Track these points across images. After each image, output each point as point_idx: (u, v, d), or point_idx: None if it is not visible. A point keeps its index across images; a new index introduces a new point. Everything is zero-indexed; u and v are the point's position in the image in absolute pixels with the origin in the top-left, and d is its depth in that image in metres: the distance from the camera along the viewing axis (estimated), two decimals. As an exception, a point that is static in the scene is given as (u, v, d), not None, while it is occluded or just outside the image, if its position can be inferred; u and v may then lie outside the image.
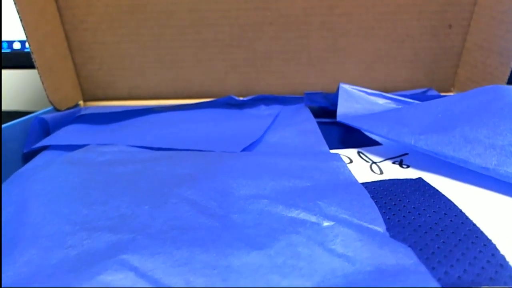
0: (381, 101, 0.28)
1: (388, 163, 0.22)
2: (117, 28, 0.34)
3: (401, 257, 0.14)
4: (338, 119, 0.26)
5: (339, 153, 0.24)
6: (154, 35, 0.35)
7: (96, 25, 0.35)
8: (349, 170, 0.20)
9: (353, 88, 0.28)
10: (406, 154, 0.23)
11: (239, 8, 0.34)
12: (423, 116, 0.22)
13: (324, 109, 0.32)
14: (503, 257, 0.14)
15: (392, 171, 0.21)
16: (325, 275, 0.14)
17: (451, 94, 0.39)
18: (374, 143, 0.25)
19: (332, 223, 0.16)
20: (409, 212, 0.17)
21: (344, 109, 0.27)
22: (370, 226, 0.16)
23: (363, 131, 0.24)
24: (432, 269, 0.14)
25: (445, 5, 0.36)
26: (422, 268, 0.14)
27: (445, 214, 0.17)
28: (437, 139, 0.20)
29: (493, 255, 0.14)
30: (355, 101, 0.27)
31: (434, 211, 0.17)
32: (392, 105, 0.27)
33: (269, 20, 0.35)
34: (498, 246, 0.15)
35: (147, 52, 0.35)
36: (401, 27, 0.36)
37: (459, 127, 0.20)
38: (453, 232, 0.16)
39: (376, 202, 0.18)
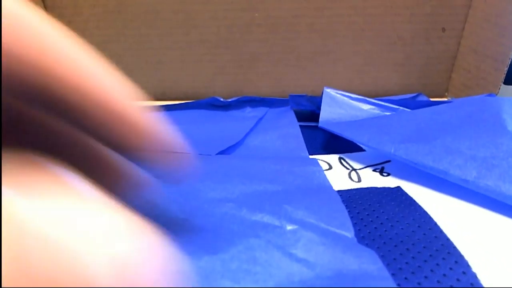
0: (365, 106, 0.27)
1: (369, 170, 0.21)
2: (104, 29, 0.34)
3: (364, 261, 0.13)
4: (320, 125, 0.25)
5: (320, 158, 0.23)
6: (141, 35, 0.34)
7: (83, 25, 0.34)
8: (325, 176, 0.19)
9: (337, 93, 0.27)
10: (389, 161, 0.22)
11: (226, 9, 0.34)
12: (406, 125, 0.21)
13: (310, 112, 0.31)
14: (474, 275, 0.13)
15: (371, 179, 0.20)
16: (281, 280, 0.13)
17: (444, 99, 0.38)
18: (358, 149, 0.24)
19: (296, 226, 0.15)
20: (381, 223, 0.16)
21: (327, 115, 0.26)
22: (337, 231, 0.15)
23: (344, 137, 0.23)
24: (397, 285, 0.13)
25: (438, 8, 0.35)
26: (385, 273, 0.13)
27: (418, 226, 0.16)
28: (417, 149, 0.19)
29: (463, 272, 0.13)
30: (339, 107, 0.26)
31: (407, 223, 0.16)
32: (377, 111, 0.26)
33: (256, 21, 0.34)
34: (470, 263, 0.14)
35: (134, 52, 0.34)
36: (392, 30, 0.35)
37: (440, 138, 0.19)
38: (424, 247, 0.15)
39: (348, 212, 0.17)
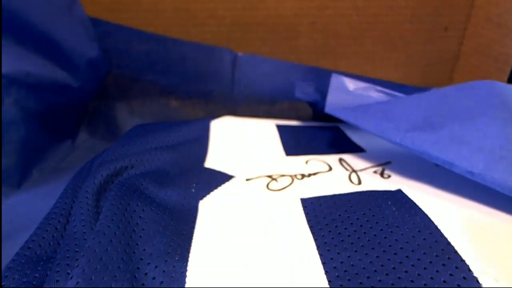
0: (374, 94, 0.26)
1: (369, 172, 0.21)
2: None
3: None
4: (326, 109, 0.25)
5: (321, 159, 0.23)
6: (139, 34, 0.34)
7: None
8: None
9: (345, 79, 0.27)
10: (389, 162, 0.22)
11: (226, 7, 0.33)
12: (412, 111, 0.21)
13: (312, 105, 0.31)
14: (475, 280, 0.13)
15: (372, 181, 0.20)
16: None
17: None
18: (358, 149, 0.24)
19: None
20: (381, 229, 0.16)
21: (334, 100, 0.25)
22: None
23: (350, 123, 0.23)
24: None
25: (440, 8, 0.34)
26: None
27: (419, 231, 0.16)
28: (424, 138, 0.19)
29: (464, 278, 0.13)
30: (346, 93, 0.26)
31: (407, 228, 0.16)
32: (385, 99, 0.26)
33: (257, 20, 0.34)
34: (471, 267, 0.14)
35: None
36: (393, 30, 0.35)
37: (448, 126, 0.19)
38: (424, 253, 0.15)
39: (348, 218, 0.17)
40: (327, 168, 0.21)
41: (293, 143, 0.25)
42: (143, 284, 0.14)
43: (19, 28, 0.23)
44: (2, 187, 0.24)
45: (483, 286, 0.13)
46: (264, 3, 0.34)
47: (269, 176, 0.20)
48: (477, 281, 0.13)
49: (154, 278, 0.14)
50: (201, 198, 0.20)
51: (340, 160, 0.22)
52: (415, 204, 0.17)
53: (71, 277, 0.13)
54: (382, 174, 0.20)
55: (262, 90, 0.32)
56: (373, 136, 0.26)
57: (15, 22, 0.22)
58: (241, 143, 0.25)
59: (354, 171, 0.21)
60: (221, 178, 0.21)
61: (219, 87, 0.32)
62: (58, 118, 0.28)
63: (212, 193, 0.20)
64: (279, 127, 0.27)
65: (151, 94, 0.32)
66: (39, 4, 0.23)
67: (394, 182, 0.20)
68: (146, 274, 0.15)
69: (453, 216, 0.17)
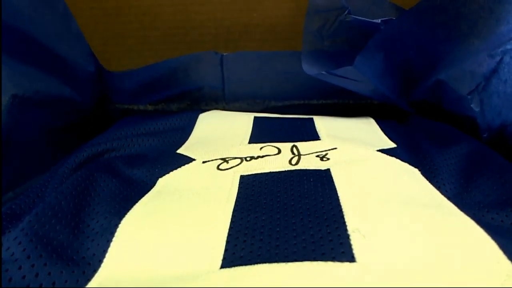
0: None
1: (313, 156, 0.24)
2: (102, 31, 0.39)
3: None
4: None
5: (275, 145, 0.26)
6: (140, 37, 0.39)
7: (82, 28, 0.36)
8: None
9: None
10: (335, 148, 0.25)
11: (224, 9, 0.38)
12: None
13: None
14: (346, 236, 0.16)
15: (309, 163, 0.23)
16: None
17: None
18: (315, 138, 0.27)
19: None
20: (293, 198, 0.19)
21: None
22: None
23: None
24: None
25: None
26: None
27: (322, 200, 0.19)
28: None
29: (339, 235, 0.16)
30: None
31: (314, 198, 0.19)
32: None
33: (255, 21, 0.38)
34: (349, 226, 0.17)
35: (133, 54, 0.40)
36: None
37: None
38: (316, 216, 0.18)
39: (271, 190, 0.20)
40: (276, 152, 0.25)
41: (260, 132, 0.28)
42: (82, 232, 0.19)
43: (26, 46, 0.27)
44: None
45: (351, 242, 0.15)
46: (261, 4, 0.38)
47: (223, 159, 0.24)
48: (348, 237, 0.16)
49: (93, 229, 0.19)
50: (161, 176, 0.24)
51: (293, 146, 0.25)
52: (332, 178, 0.20)
53: (25, 219, 0.18)
54: (322, 158, 0.23)
55: (253, 86, 0.36)
56: (345, 128, 0.30)
57: (22, 41, 0.26)
58: (216, 133, 0.30)
59: (299, 155, 0.24)
60: (183, 160, 0.25)
61: (209, 91, 0.36)
62: (64, 135, 0.31)
63: (171, 173, 0.24)
64: (256, 119, 0.31)
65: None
66: (41, 20, 0.27)
67: (329, 164, 0.23)
68: (88, 226, 0.19)
69: (358, 187, 0.20)
